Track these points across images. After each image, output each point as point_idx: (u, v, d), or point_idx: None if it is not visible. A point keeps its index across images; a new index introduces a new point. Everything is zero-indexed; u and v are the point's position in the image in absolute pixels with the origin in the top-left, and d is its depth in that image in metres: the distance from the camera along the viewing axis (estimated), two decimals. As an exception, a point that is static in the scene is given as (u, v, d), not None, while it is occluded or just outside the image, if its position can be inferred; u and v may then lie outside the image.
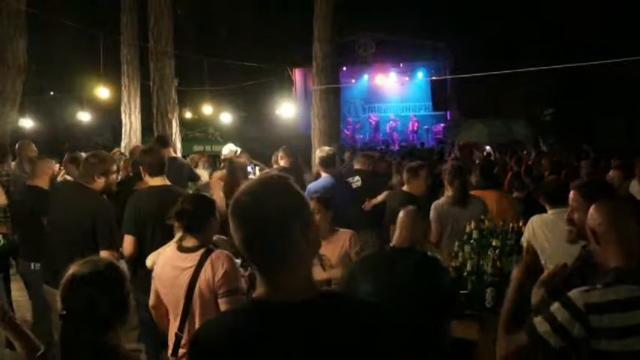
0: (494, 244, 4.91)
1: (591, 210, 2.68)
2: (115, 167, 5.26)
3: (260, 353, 1.67)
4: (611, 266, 2.57)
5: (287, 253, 1.72)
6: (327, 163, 6.91)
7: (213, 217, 3.80)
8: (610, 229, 2.58)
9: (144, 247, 4.78)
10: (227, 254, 3.62)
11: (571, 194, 3.38)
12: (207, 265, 3.52)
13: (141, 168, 5.14)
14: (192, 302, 3.54)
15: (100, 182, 4.93)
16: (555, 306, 2.51)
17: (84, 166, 5.04)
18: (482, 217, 5.54)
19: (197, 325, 3.52)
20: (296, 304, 1.70)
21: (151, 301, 3.89)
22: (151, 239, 4.78)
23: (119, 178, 7.22)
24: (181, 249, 3.68)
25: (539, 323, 2.52)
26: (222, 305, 3.47)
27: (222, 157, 9.92)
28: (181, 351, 3.61)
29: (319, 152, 7.04)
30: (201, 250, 3.61)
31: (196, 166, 10.46)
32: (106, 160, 5.08)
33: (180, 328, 3.60)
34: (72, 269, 2.50)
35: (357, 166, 7.86)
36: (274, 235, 1.71)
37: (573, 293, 2.49)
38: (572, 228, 3.28)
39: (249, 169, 7.32)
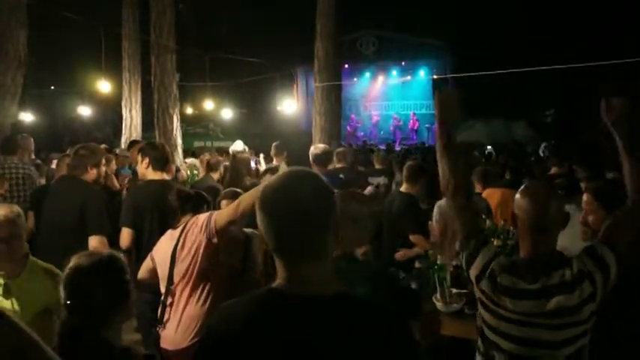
0: (495, 243, 4.89)
1: (517, 195, 2.73)
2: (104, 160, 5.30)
3: (275, 344, 1.67)
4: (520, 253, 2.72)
5: (319, 243, 1.75)
6: (320, 160, 6.81)
7: (207, 206, 4.15)
8: (529, 217, 2.64)
9: (142, 240, 4.81)
10: (202, 215, 3.84)
11: (585, 197, 3.37)
12: (185, 231, 3.76)
13: (146, 159, 5.10)
14: (175, 271, 3.72)
15: (92, 173, 4.95)
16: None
17: (75, 159, 5.01)
18: (484, 216, 5.53)
19: (179, 295, 3.72)
20: (316, 297, 1.71)
21: (140, 274, 4.06)
22: (148, 232, 4.79)
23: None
24: (174, 228, 3.96)
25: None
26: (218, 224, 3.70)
27: (231, 152, 9.92)
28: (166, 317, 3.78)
29: (313, 149, 6.93)
30: (180, 227, 3.86)
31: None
32: (97, 152, 5.10)
33: (165, 295, 3.76)
34: (74, 261, 2.50)
35: (338, 164, 7.78)
36: (310, 225, 1.72)
37: (496, 261, 2.65)
38: (587, 229, 3.34)
39: (252, 163, 7.33)
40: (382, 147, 19.98)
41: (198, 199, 4.15)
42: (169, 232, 3.97)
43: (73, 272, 2.46)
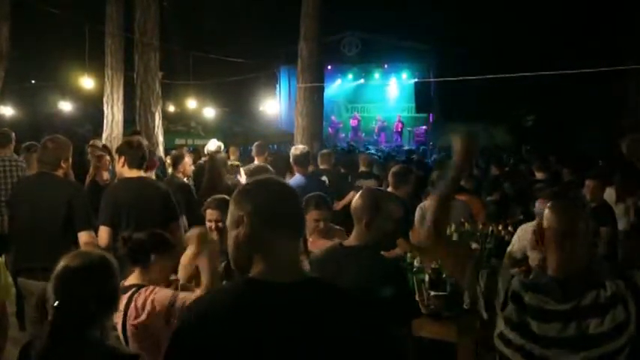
0: (473, 247, 4.96)
1: (546, 210, 2.63)
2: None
3: (254, 332, 1.71)
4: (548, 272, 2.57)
5: (298, 234, 1.90)
6: (300, 161, 6.84)
7: (160, 257, 3.48)
8: (558, 233, 2.54)
9: (118, 238, 4.75)
10: (160, 294, 3.28)
11: (541, 204, 3.33)
12: (133, 306, 3.25)
13: (122, 158, 5.07)
14: (130, 347, 3.22)
15: (64, 167, 4.87)
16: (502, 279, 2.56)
17: (45, 153, 4.85)
18: (463, 220, 5.60)
19: None
20: (291, 284, 1.80)
21: None
22: (125, 230, 4.71)
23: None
24: (122, 289, 3.27)
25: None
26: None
27: (207, 152, 9.88)
28: None
29: (293, 150, 6.96)
30: (130, 292, 3.30)
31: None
32: (68, 144, 4.98)
33: None
34: (64, 261, 2.47)
35: (322, 166, 7.81)
36: (293, 216, 1.89)
37: (515, 280, 2.52)
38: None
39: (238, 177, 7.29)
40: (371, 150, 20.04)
41: (152, 247, 3.49)
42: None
43: (64, 272, 2.44)
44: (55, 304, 2.38)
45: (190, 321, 1.79)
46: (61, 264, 2.47)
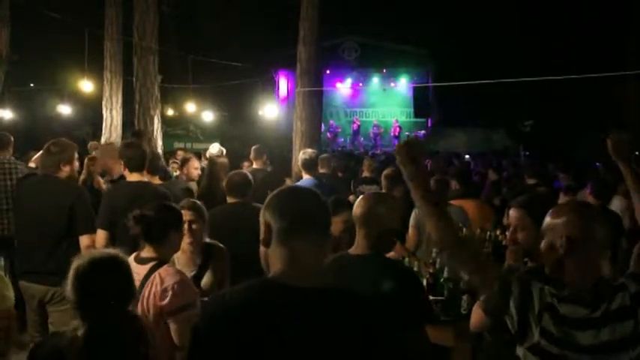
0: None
1: (570, 214, 2.44)
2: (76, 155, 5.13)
3: (259, 333, 1.75)
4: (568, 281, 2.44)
5: (325, 240, 1.95)
6: (309, 165, 6.90)
7: (175, 231, 3.65)
8: (575, 236, 2.38)
9: (115, 242, 4.74)
10: (175, 270, 3.44)
11: (515, 212, 3.25)
12: (151, 281, 3.34)
13: (122, 161, 5.08)
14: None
15: (65, 171, 4.87)
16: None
17: (47, 156, 4.88)
18: (461, 224, 5.60)
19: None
20: (307, 289, 1.84)
21: None
22: (121, 234, 4.72)
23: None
24: (138, 260, 3.51)
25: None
26: (172, 325, 3.28)
27: (209, 156, 9.88)
28: None
29: (302, 154, 7.04)
30: (151, 264, 3.42)
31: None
32: (69, 148, 4.97)
33: None
34: (82, 259, 2.71)
35: (321, 170, 7.82)
36: (323, 223, 1.96)
37: (546, 292, 2.41)
38: (516, 248, 3.21)
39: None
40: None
41: (164, 221, 3.57)
42: (133, 263, 3.40)
43: (90, 266, 2.66)
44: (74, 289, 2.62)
45: (206, 318, 1.88)
46: (81, 261, 2.70)
